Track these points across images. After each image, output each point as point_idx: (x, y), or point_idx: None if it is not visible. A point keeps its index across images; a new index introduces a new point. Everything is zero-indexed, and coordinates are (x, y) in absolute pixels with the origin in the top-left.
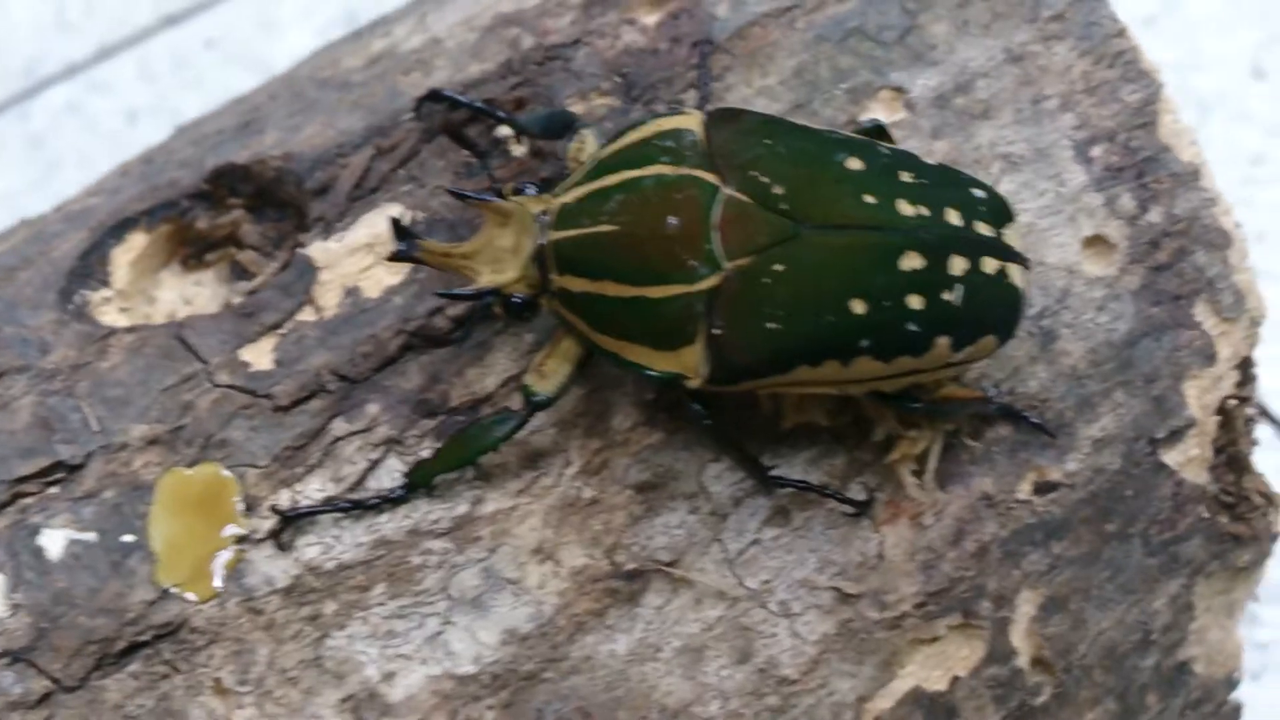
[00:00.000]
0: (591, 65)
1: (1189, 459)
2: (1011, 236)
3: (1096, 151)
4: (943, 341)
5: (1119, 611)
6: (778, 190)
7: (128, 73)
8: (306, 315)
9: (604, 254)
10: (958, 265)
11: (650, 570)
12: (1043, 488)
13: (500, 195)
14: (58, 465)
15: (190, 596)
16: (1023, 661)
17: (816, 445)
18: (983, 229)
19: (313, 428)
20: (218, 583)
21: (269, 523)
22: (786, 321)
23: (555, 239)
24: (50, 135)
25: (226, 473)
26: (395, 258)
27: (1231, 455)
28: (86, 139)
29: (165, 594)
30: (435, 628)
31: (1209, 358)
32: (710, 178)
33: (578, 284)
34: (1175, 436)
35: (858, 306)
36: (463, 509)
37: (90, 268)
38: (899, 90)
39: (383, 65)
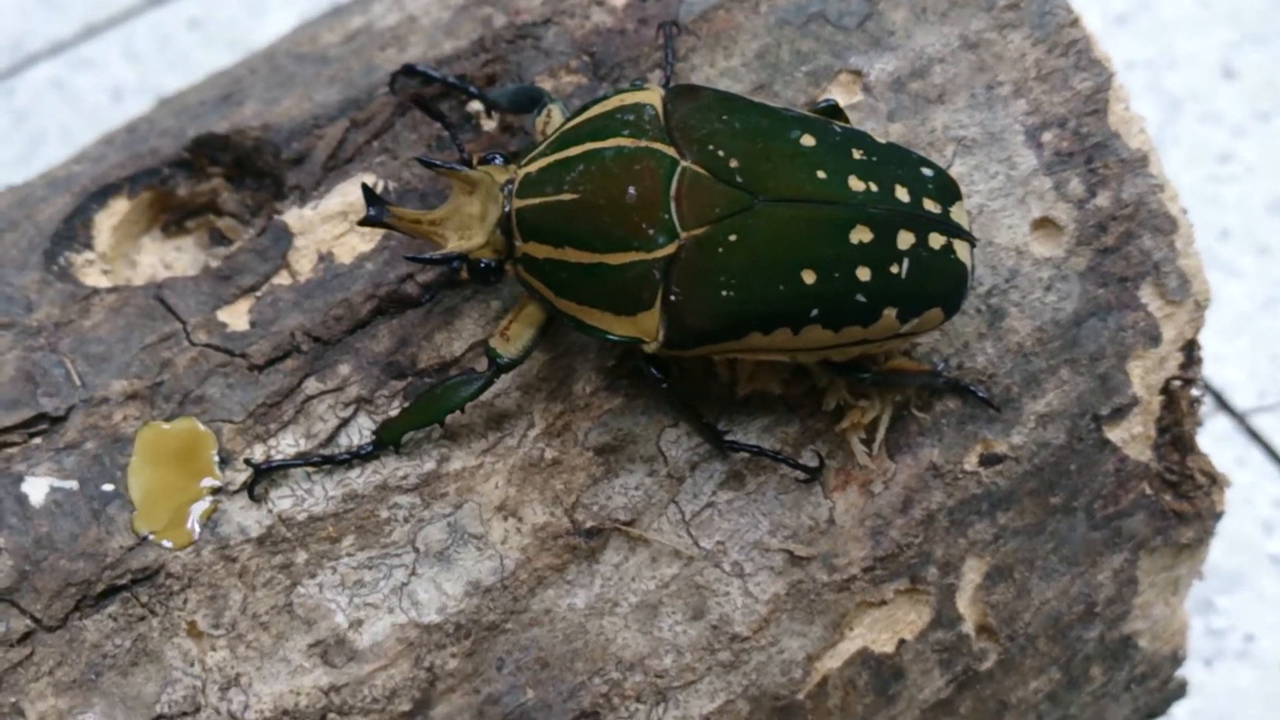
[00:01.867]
0: (561, 44)
1: (1132, 436)
2: (958, 214)
3: (1047, 137)
4: (890, 313)
5: (1063, 583)
6: (733, 164)
7: (113, 51)
8: (282, 279)
9: (566, 221)
10: (905, 240)
11: (609, 529)
12: (989, 460)
13: (468, 165)
14: (41, 417)
15: (167, 543)
16: (968, 628)
17: (771, 413)
18: (930, 206)
19: (286, 386)
20: (193, 531)
21: (243, 475)
22: (740, 289)
23: (519, 206)
24: (35, 111)
25: (203, 427)
26: (366, 222)
27: (1176, 435)
28: (71, 115)
29: (143, 540)
30: (402, 579)
31: (1154, 339)
32: (669, 150)
33: (541, 250)
34: (1119, 414)
35: (808, 276)
36: (429, 466)
37: (74, 231)
38: (857, 73)
39: (359, 41)
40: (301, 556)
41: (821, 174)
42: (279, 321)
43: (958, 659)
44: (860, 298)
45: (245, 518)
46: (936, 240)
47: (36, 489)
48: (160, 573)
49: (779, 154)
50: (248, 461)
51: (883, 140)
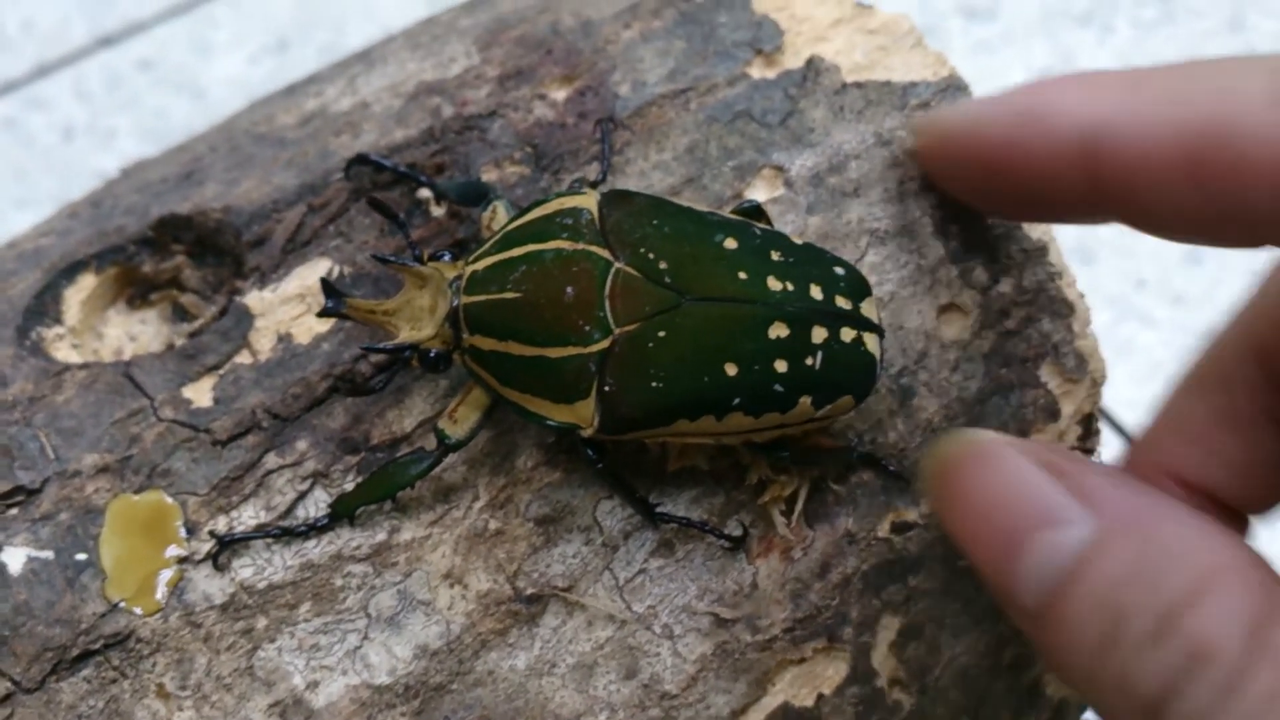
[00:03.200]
0: (505, 136)
1: None
2: (868, 309)
3: (954, 228)
4: (805, 400)
5: (971, 638)
6: (662, 265)
7: (64, 91)
8: (243, 358)
9: (509, 318)
10: (819, 334)
11: (548, 595)
12: (900, 527)
13: (419, 260)
14: (18, 489)
15: (137, 610)
16: (882, 682)
17: (698, 486)
18: (842, 302)
19: (247, 460)
20: (161, 598)
21: (208, 545)
22: (668, 380)
23: (467, 302)
24: None
25: (170, 499)
26: (324, 313)
27: None
28: (23, 154)
29: (114, 607)
30: (355, 642)
31: (1053, 414)
32: (603, 253)
33: (486, 343)
34: None
35: (731, 369)
36: (381, 536)
37: (44, 306)
38: (779, 169)
39: (314, 125)
40: (262, 622)
41: (743, 275)
42: (241, 399)
43: (873, 711)
44: (778, 387)
45: (210, 585)
46: (847, 334)
47: (14, 558)
48: (131, 638)
49: (704, 256)
50: (212, 533)
51: (799, 241)
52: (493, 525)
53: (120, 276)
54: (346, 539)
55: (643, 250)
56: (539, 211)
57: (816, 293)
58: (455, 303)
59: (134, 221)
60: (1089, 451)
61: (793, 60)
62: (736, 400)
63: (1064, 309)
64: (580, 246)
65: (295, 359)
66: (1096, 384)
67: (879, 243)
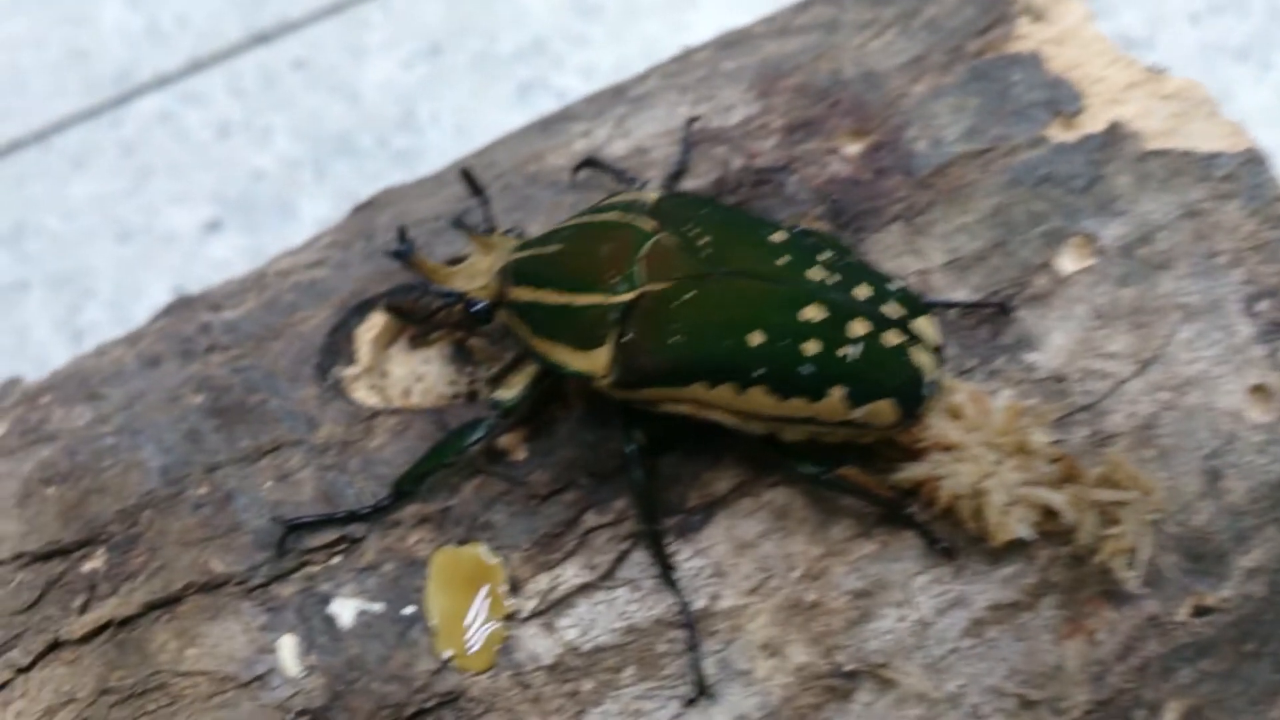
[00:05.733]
0: (802, 191)
1: None
2: (922, 326)
3: (1262, 306)
4: (837, 392)
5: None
6: (702, 242)
7: (218, 86)
8: (555, 410)
9: (547, 268)
10: (858, 328)
11: (864, 671)
12: (1200, 611)
13: (491, 232)
14: (342, 539)
15: (467, 668)
16: None
17: (1015, 564)
18: (889, 310)
19: (567, 517)
20: (491, 656)
21: (532, 603)
22: (689, 337)
23: (515, 257)
24: (142, 143)
25: (492, 556)
26: (393, 254)
27: None
28: (178, 149)
29: (445, 664)
30: (676, 710)
31: None
32: (648, 225)
33: (525, 293)
34: None
35: (756, 337)
36: (702, 603)
37: (338, 345)
38: (1090, 237)
39: (591, 170)
40: (588, 685)
41: (783, 260)
42: (555, 453)
43: None
44: (806, 369)
45: (537, 645)
46: (892, 338)
47: (345, 610)
48: (462, 697)
49: (748, 241)
50: (274, 519)
51: (857, 261)
52: (810, 596)
53: (406, 312)
54: (668, 604)
55: (687, 228)
56: (607, 200)
57: (862, 292)
58: (508, 261)
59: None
60: None
61: (1091, 123)
62: (759, 372)
63: None
64: (628, 219)
65: (606, 411)
66: None
67: (1189, 319)
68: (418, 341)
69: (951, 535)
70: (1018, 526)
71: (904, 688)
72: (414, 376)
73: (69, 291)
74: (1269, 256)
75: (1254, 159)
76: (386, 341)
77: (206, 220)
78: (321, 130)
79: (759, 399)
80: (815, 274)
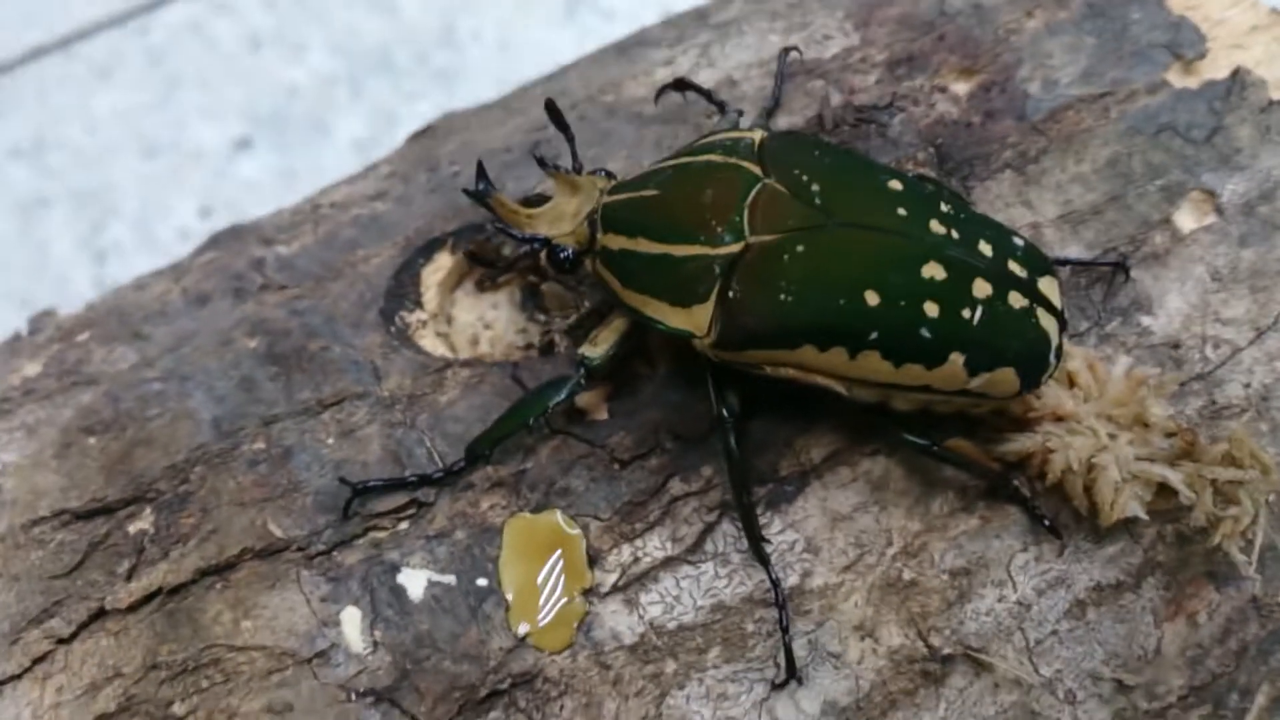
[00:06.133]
0: (908, 134)
1: None
2: (1047, 287)
3: None
4: (957, 359)
5: None
6: (814, 188)
7: None
8: (638, 367)
9: (643, 214)
10: (981, 289)
11: (960, 654)
12: None
13: (578, 172)
14: (411, 502)
15: (544, 646)
16: None
17: (1119, 543)
18: (1015, 268)
19: (652, 485)
20: (571, 634)
21: (613, 576)
22: (799, 295)
23: (607, 202)
24: (171, 53)
25: (571, 524)
26: (469, 193)
27: None
28: (209, 61)
29: (521, 642)
30: (762, 694)
31: None
32: (754, 169)
33: (617, 241)
34: None
35: (872, 298)
36: (793, 580)
37: (404, 288)
38: (1210, 193)
39: (673, 101)
40: (671, 666)
41: (903, 211)
42: (639, 413)
43: None
44: (925, 333)
45: (618, 623)
46: (1017, 300)
47: (414, 582)
48: (539, 677)
49: (863, 188)
50: (342, 480)
51: (978, 212)
52: (907, 575)
53: (474, 253)
54: (757, 580)
55: (797, 172)
56: (705, 139)
57: (986, 249)
58: (598, 205)
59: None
60: None
61: (1212, 69)
62: (874, 335)
63: None
64: (732, 161)
65: (695, 370)
66: None
67: None
68: (485, 285)
69: (1056, 511)
70: (1131, 504)
71: (999, 672)
72: (482, 323)
73: (92, 209)
74: None
75: None
76: (453, 285)
77: (236, 137)
78: (358, 45)
79: (872, 364)
80: (936, 227)
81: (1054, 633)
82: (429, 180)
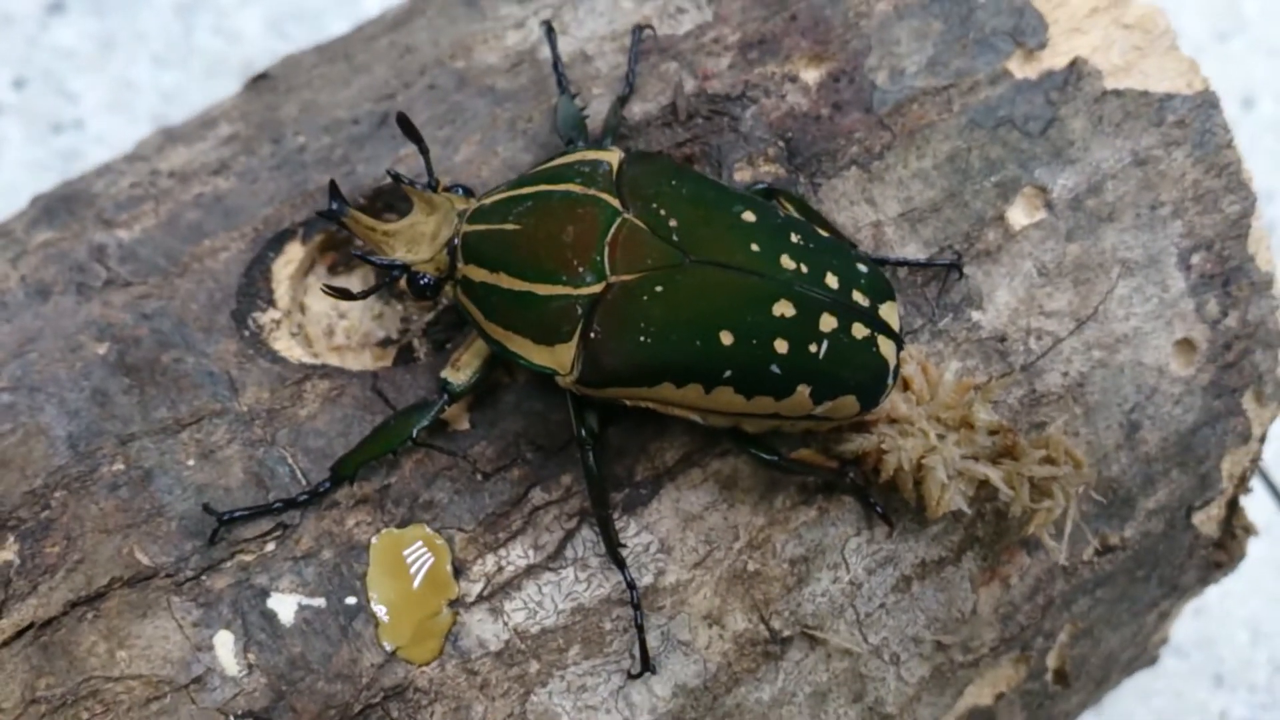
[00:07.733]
0: (759, 128)
1: (1210, 518)
2: (887, 313)
3: (1196, 259)
4: (803, 390)
5: (1127, 631)
6: (672, 223)
7: None
8: (499, 376)
9: (504, 249)
10: (827, 323)
11: (798, 634)
12: (1104, 550)
13: (433, 189)
14: (278, 525)
15: (414, 660)
16: (1049, 676)
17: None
18: (858, 298)
19: (514, 495)
20: (437, 645)
21: (478, 586)
22: (658, 337)
23: (466, 230)
24: None
25: (437, 537)
26: (324, 214)
27: (1232, 503)
28: None
29: (391, 656)
30: (619, 683)
31: (1245, 437)
32: (613, 202)
33: (478, 274)
34: (1207, 503)
35: (726, 337)
36: (648, 580)
37: (255, 285)
38: (1042, 189)
39: (528, 74)
40: (534, 667)
41: (755, 247)
42: (500, 423)
43: (1036, 699)
44: (775, 369)
45: (484, 631)
46: (859, 330)
47: (284, 606)
48: (409, 688)
49: (718, 222)
50: (206, 509)
51: (825, 235)
52: (751, 566)
53: (324, 242)
54: (614, 582)
55: (655, 206)
56: (561, 160)
57: (832, 281)
58: (457, 231)
59: (335, 177)
60: (1255, 461)
61: (1052, 57)
62: (728, 373)
63: (1275, 339)
64: (591, 192)
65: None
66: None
67: (1129, 274)
68: (338, 269)
69: (887, 499)
70: (956, 499)
71: (832, 645)
72: (336, 312)
73: None
74: (1207, 207)
75: (1207, 102)
76: (304, 273)
77: (48, 1)
78: None
79: (726, 398)
80: (786, 262)
81: (882, 605)
82: (273, 154)
